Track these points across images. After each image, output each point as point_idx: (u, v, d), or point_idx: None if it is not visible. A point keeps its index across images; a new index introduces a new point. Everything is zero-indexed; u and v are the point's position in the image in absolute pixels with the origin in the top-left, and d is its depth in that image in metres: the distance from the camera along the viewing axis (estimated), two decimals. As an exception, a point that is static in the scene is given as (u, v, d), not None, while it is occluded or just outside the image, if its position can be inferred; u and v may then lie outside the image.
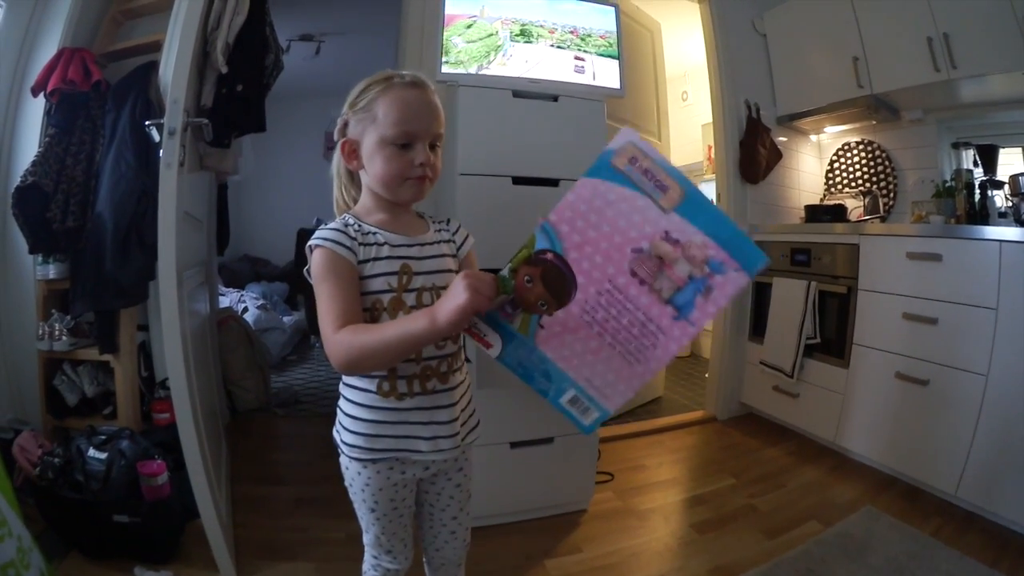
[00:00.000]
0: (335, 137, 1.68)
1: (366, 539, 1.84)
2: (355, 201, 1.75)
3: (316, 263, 1.54)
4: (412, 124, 1.60)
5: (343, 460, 1.70)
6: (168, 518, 2.62)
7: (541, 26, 2.93)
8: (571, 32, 2.98)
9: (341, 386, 1.67)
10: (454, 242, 1.78)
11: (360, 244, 1.56)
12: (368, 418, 1.60)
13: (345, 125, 1.66)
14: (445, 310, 1.35)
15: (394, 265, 1.59)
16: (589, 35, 3.01)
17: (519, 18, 2.90)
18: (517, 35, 2.90)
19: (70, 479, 2.64)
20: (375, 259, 1.57)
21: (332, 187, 1.81)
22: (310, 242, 1.55)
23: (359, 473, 1.66)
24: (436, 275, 1.65)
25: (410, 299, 1.59)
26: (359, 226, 1.61)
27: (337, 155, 1.71)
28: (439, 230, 1.77)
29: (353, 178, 1.76)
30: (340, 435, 1.66)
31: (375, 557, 1.87)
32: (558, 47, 2.95)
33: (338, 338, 1.44)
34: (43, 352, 3.29)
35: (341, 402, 1.67)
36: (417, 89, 1.64)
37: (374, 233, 1.60)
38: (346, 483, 1.73)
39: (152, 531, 2.57)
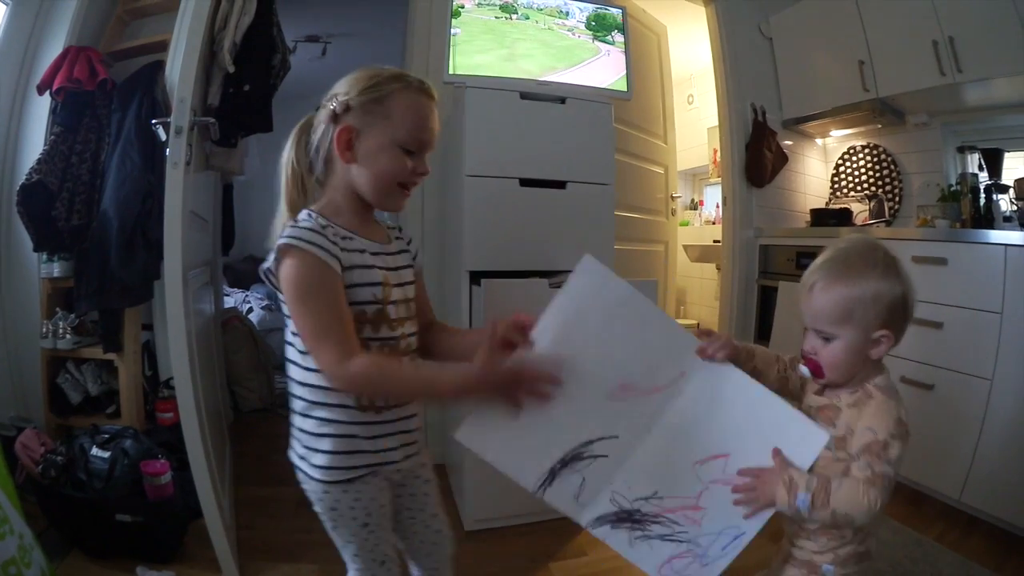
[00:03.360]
0: (323, 118, 1.58)
1: (358, 564, 1.68)
2: (305, 197, 1.63)
3: (296, 271, 1.41)
4: (425, 133, 1.59)
5: (314, 488, 1.56)
6: (171, 518, 2.62)
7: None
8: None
9: (302, 406, 1.55)
10: (409, 251, 1.75)
11: (341, 250, 1.47)
12: (344, 434, 1.53)
13: (346, 110, 1.55)
14: (489, 381, 1.37)
15: (376, 275, 1.54)
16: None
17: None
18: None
19: (73, 477, 2.64)
20: (359, 267, 1.52)
21: (281, 176, 1.67)
22: (281, 241, 1.42)
23: (344, 493, 1.56)
24: (407, 287, 1.64)
25: (392, 311, 1.56)
26: (334, 229, 1.51)
27: (298, 140, 1.64)
28: (397, 238, 1.74)
29: (312, 170, 1.64)
30: (307, 460, 1.55)
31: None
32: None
33: (355, 372, 1.37)
34: (47, 350, 3.29)
35: (304, 424, 1.55)
36: (430, 99, 1.61)
37: (351, 238, 1.54)
38: (324, 510, 1.60)
39: (155, 531, 2.58)
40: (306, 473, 1.56)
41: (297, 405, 1.55)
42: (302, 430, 1.55)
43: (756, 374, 1.68)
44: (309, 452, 1.54)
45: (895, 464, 1.37)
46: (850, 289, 1.46)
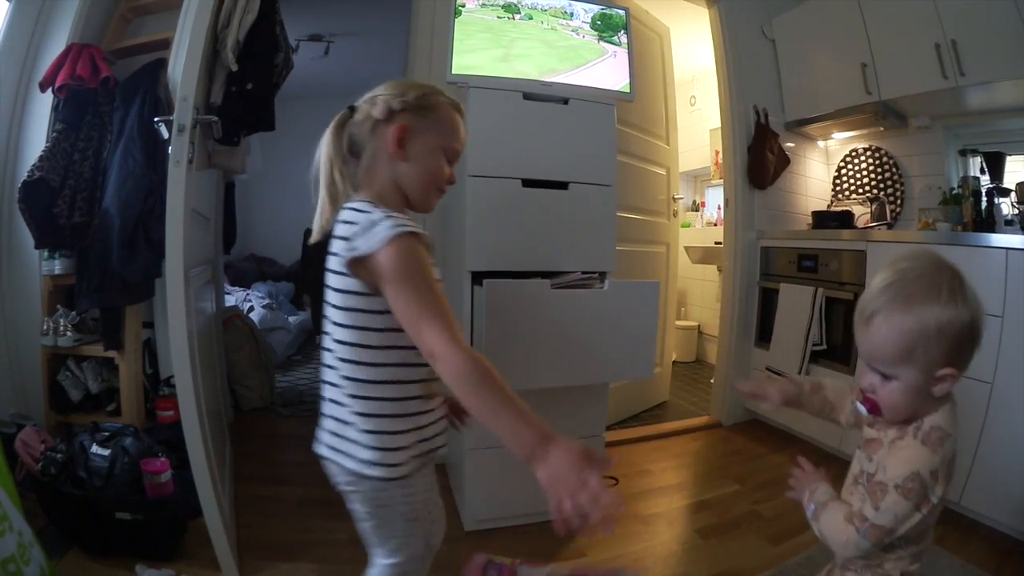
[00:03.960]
0: (377, 115, 1.58)
1: (399, 556, 1.71)
2: (343, 190, 1.61)
3: (405, 252, 1.39)
4: (460, 145, 1.71)
5: (368, 486, 1.55)
6: (171, 516, 2.62)
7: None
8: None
9: (369, 405, 1.51)
10: None
11: None
12: (409, 428, 1.54)
13: (399, 111, 1.58)
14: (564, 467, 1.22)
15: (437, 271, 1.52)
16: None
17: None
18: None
19: (72, 475, 2.64)
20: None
21: (320, 170, 1.64)
22: (394, 231, 1.38)
23: (400, 488, 1.56)
24: None
25: None
26: None
27: (336, 135, 1.63)
28: None
29: (348, 165, 1.64)
30: (377, 460, 1.50)
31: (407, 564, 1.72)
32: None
33: (471, 356, 1.30)
34: (47, 347, 3.30)
35: (368, 424, 1.51)
36: (462, 116, 1.72)
37: None
38: (372, 507, 1.61)
39: (154, 529, 2.57)
40: (360, 473, 1.53)
41: (357, 405, 1.52)
42: (367, 431, 1.51)
43: (828, 406, 1.74)
44: (379, 452, 1.50)
45: (889, 516, 1.31)
46: (911, 324, 1.31)
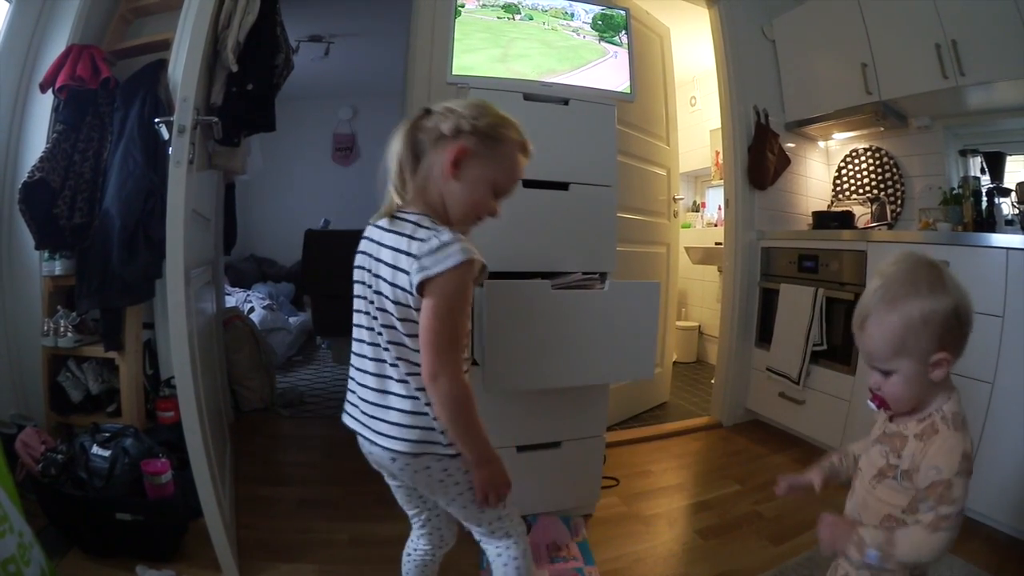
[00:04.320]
0: (445, 130, 1.60)
1: (519, 528, 1.87)
2: (406, 193, 1.65)
3: (459, 282, 1.50)
4: (514, 187, 1.74)
5: (456, 466, 1.66)
6: (171, 517, 2.61)
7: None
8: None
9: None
10: None
11: None
12: None
13: (466, 132, 1.60)
14: (499, 471, 1.63)
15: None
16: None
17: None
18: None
19: (73, 476, 2.64)
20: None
21: (390, 172, 1.66)
22: (463, 256, 1.48)
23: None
24: None
25: None
26: None
27: (408, 137, 1.65)
28: None
29: (414, 173, 1.64)
30: (444, 439, 1.61)
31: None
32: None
33: (465, 390, 1.52)
34: (48, 348, 3.30)
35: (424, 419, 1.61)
36: (527, 159, 1.74)
37: None
38: (463, 483, 1.70)
39: (155, 530, 2.57)
40: (456, 453, 1.62)
41: (423, 400, 1.60)
42: (424, 425, 1.60)
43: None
44: (442, 432, 1.60)
45: (961, 500, 1.37)
46: (897, 320, 1.43)
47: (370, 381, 1.67)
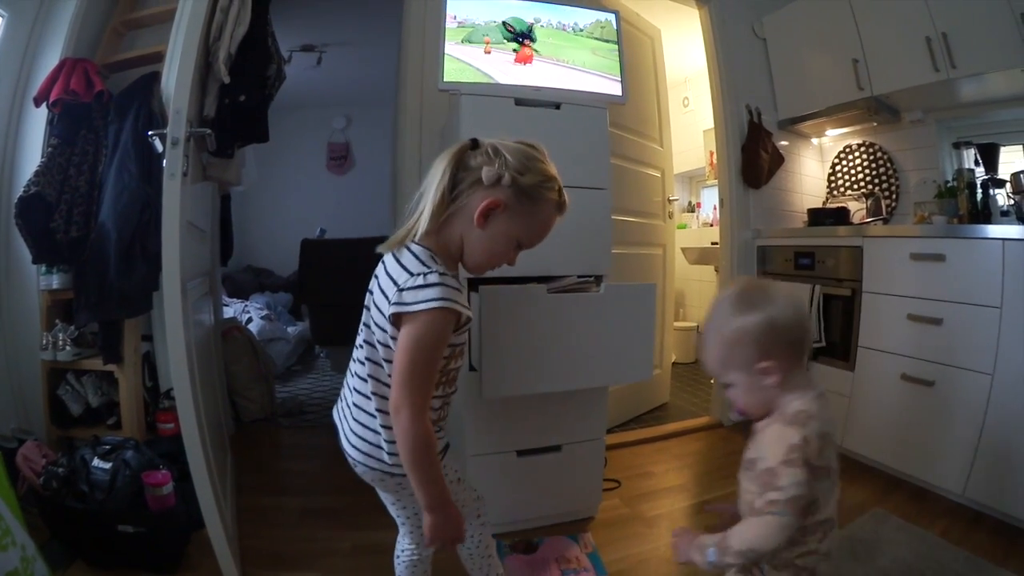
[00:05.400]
0: (484, 178, 1.61)
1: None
2: (422, 233, 1.66)
3: (437, 327, 1.51)
4: (540, 241, 1.78)
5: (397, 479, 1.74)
6: (173, 528, 2.62)
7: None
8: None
9: (391, 434, 1.65)
10: None
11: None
12: None
13: (501, 180, 1.62)
14: (449, 517, 1.60)
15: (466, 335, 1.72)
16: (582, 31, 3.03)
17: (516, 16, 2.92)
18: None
19: (74, 489, 2.64)
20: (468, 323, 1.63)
21: (429, 199, 1.65)
22: (439, 304, 1.49)
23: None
24: None
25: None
26: (453, 279, 1.58)
27: (454, 165, 1.65)
28: None
29: (446, 207, 1.65)
30: (391, 460, 1.68)
31: None
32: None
33: (424, 431, 1.52)
34: (47, 362, 3.30)
35: (392, 449, 1.66)
36: (561, 215, 1.79)
37: (460, 290, 1.58)
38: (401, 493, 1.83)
39: (157, 541, 2.57)
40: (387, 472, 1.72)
41: (388, 435, 1.66)
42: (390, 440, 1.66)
43: None
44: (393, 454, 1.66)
45: (789, 488, 1.47)
46: (715, 340, 1.67)
47: (348, 386, 1.79)
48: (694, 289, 7.44)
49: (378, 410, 1.66)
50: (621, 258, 4.02)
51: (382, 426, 1.66)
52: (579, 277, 2.84)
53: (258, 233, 9.28)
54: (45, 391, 3.35)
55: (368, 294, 1.70)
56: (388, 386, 1.58)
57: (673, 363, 5.95)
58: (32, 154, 3.36)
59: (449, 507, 1.59)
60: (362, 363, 1.68)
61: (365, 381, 1.68)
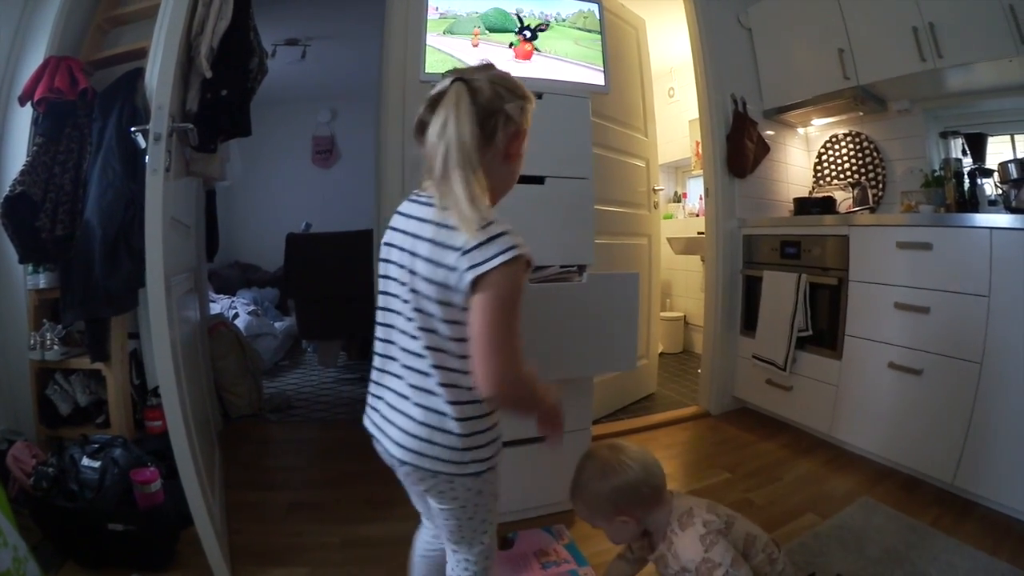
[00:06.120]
0: (513, 115, 1.59)
1: (487, 539, 1.81)
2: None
3: (519, 279, 1.43)
4: None
5: (476, 481, 1.62)
6: (163, 525, 2.62)
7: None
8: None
9: (469, 408, 1.54)
10: None
11: None
12: (493, 423, 1.63)
13: (519, 114, 1.62)
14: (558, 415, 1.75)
15: None
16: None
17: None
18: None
19: (64, 488, 2.63)
20: None
21: (452, 152, 1.46)
22: (513, 253, 1.38)
23: (494, 472, 1.67)
24: None
25: None
26: None
27: (481, 122, 1.52)
28: None
29: (484, 155, 1.53)
30: (472, 454, 1.57)
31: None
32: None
33: (525, 372, 1.48)
34: (35, 362, 3.29)
35: (469, 426, 1.55)
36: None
37: None
38: (479, 499, 1.68)
39: (147, 539, 2.57)
40: (470, 472, 1.59)
41: (457, 411, 1.53)
42: (471, 432, 1.56)
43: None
44: (474, 448, 1.57)
45: (727, 555, 1.87)
46: (580, 506, 2.11)
47: (391, 375, 1.63)
48: (680, 279, 7.45)
49: (441, 384, 1.52)
50: (606, 248, 4.02)
51: (449, 403, 1.52)
52: (561, 267, 2.83)
53: (244, 228, 9.26)
54: (34, 391, 3.35)
55: (392, 281, 1.60)
56: (449, 354, 1.51)
57: (660, 353, 5.97)
58: (17, 153, 3.34)
59: (555, 408, 1.71)
60: (414, 337, 1.53)
61: (422, 357, 1.53)
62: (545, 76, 2.93)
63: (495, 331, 1.40)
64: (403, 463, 1.59)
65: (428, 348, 1.52)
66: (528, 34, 2.92)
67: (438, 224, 1.48)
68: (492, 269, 1.37)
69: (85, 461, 2.70)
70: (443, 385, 1.52)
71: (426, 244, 1.49)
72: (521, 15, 2.94)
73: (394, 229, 1.64)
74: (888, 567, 2.58)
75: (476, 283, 1.39)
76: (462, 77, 1.56)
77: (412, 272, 1.52)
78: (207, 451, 2.93)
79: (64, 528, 2.57)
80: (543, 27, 2.94)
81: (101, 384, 3.40)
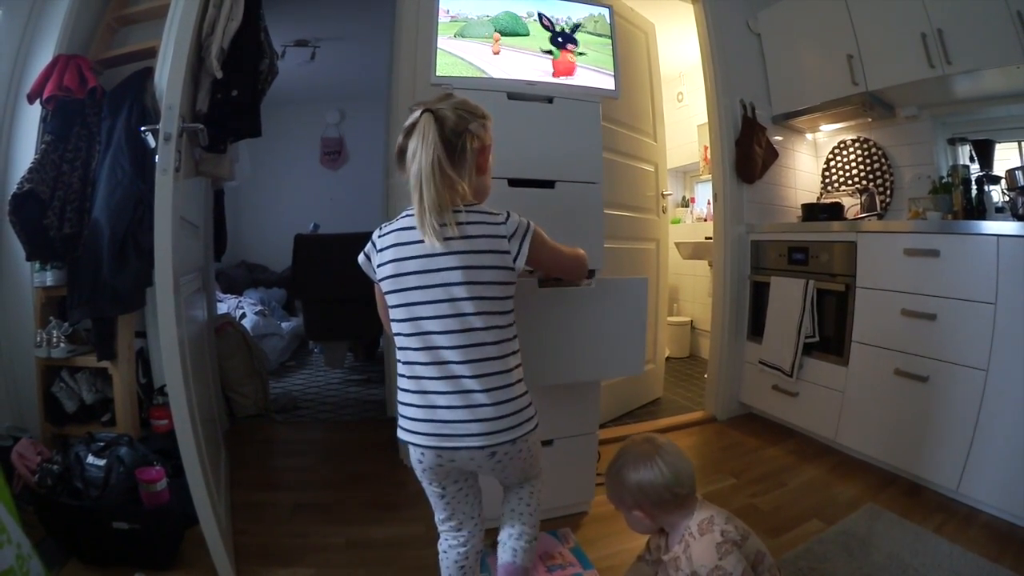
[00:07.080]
0: (487, 140, 1.96)
1: (541, 466, 2.24)
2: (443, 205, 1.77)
3: (539, 232, 1.90)
4: None
5: (534, 437, 1.96)
6: (167, 525, 2.61)
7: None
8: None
9: (517, 386, 1.85)
10: None
11: None
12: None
13: (484, 132, 1.92)
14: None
15: None
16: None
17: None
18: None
19: (69, 486, 2.64)
20: None
21: (432, 179, 1.75)
22: (527, 221, 1.87)
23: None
24: None
25: None
26: None
27: (454, 149, 1.82)
28: None
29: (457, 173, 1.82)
30: (530, 417, 1.90)
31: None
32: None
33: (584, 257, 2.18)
34: (41, 359, 3.30)
35: (522, 398, 1.87)
36: None
37: None
38: (535, 449, 2.05)
39: (151, 538, 2.57)
40: (530, 430, 1.90)
41: (510, 386, 1.83)
42: (524, 407, 1.88)
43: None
44: (530, 412, 1.91)
45: (739, 566, 1.87)
46: (606, 484, 2.19)
47: (455, 362, 1.77)
48: (688, 284, 7.43)
49: (497, 342, 1.81)
50: (614, 253, 4.01)
51: (524, 394, 1.89)
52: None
53: (252, 228, 9.25)
54: (40, 388, 3.35)
55: (419, 290, 1.78)
56: (500, 313, 1.82)
57: (667, 358, 5.96)
58: (26, 151, 3.36)
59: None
60: (480, 345, 1.78)
61: (486, 330, 1.78)
62: (540, 77, 2.92)
63: (561, 252, 2.07)
64: (486, 448, 1.80)
65: (490, 327, 1.80)
66: (561, 40, 2.93)
67: (481, 223, 1.82)
68: (526, 232, 1.86)
69: (90, 459, 2.70)
70: (499, 342, 1.82)
71: (482, 240, 1.80)
72: (554, 21, 2.95)
73: (403, 244, 1.84)
74: (892, 573, 2.57)
75: (531, 248, 1.85)
76: (429, 108, 1.83)
77: (468, 269, 1.77)
78: (213, 450, 2.93)
79: (68, 526, 2.57)
80: (575, 29, 2.97)
81: (107, 382, 3.41)
